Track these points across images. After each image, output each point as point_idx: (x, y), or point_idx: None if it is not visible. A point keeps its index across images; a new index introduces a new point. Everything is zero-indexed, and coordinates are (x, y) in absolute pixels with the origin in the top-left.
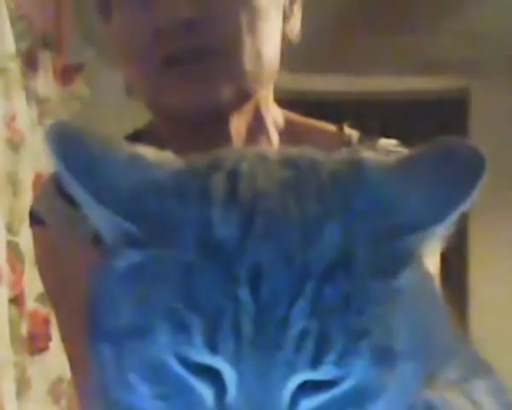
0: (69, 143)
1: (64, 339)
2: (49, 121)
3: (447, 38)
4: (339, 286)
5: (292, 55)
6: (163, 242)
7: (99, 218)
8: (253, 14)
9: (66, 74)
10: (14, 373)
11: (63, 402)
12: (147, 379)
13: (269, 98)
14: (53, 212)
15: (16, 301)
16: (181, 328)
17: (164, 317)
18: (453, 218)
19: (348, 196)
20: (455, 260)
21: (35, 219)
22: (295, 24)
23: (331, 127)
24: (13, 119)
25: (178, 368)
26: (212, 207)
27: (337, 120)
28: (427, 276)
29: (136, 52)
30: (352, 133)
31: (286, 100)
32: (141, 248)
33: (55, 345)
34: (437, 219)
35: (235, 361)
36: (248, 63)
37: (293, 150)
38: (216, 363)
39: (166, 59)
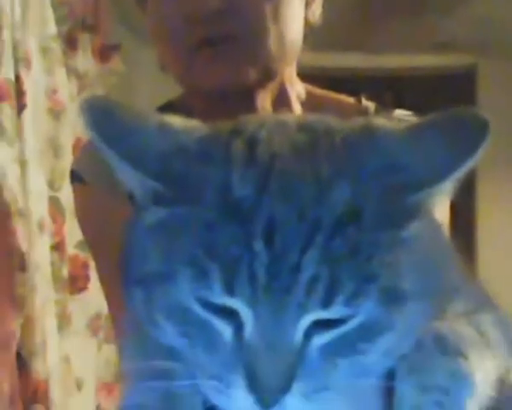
0: (101, 114)
1: (102, 281)
2: (87, 94)
3: (457, 21)
4: (348, 237)
5: (314, 35)
6: (187, 200)
7: (130, 179)
8: (277, 2)
9: (103, 53)
10: (56, 310)
11: (101, 335)
12: (171, 319)
13: (292, 75)
14: (91, 171)
15: (57, 247)
16: (201, 275)
17: (186, 265)
18: (458, 176)
19: (359, 156)
20: (463, 214)
21: (75, 178)
22: (317, 9)
23: (350, 99)
24: (54, 92)
25: (199, 309)
26: (231, 169)
27: (355, 93)
28: (434, 224)
29: (170, 36)
30: (368, 104)
31: (308, 76)
32: (167, 206)
33: (94, 285)
34: (442, 177)
35: (252, 303)
36: (272, 47)
37: (311, 116)
38: (233, 304)
39: (198, 43)
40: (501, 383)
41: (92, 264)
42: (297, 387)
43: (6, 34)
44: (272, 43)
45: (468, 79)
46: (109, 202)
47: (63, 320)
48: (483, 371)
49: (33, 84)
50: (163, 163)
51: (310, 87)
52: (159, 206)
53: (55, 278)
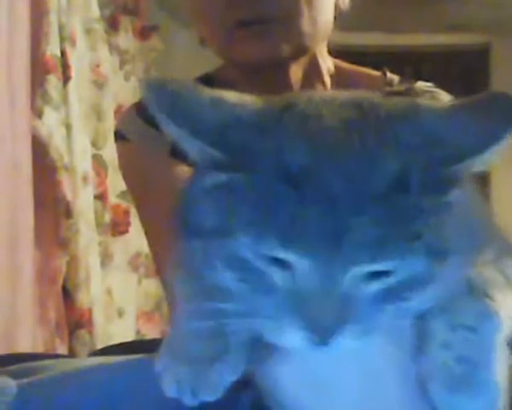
0: (161, 91)
1: (145, 227)
2: (128, 68)
3: (472, 5)
4: (396, 202)
5: (342, 17)
6: (244, 167)
7: (190, 146)
8: None
9: (143, 33)
10: (99, 250)
11: (141, 270)
12: (230, 267)
13: (323, 51)
14: (135, 131)
15: (100, 197)
16: (259, 232)
17: (245, 223)
18: (496, 149)
19: (404, 130)
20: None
21: (119, 137)
22: None
23: (375, 72)
24: (97, 66)
25: (256, 261)
26: (285, 139)
27: (378, 68)
28: (472, 190)
29: (210, 16)
30: (393, 77)
31: (336, 52)
32: (226, 171)
33: (134, 229)
34: (481, 149)
35: (305, 255)
36: (305, 28)
37: (355, 93)
38: (288, 257)
39: (237, 22)
40: None
41: (133, 211)
42: (347, 328)
43: (52, 17)
44: (305, 24)
45: (482, 57)
46: (149, 158)
47: (106, 258)
48: (508, 310)
49: (78, 59)
50: (220, 133)
51: (338, 62)
52: (218, 171)
53: (98, 222)
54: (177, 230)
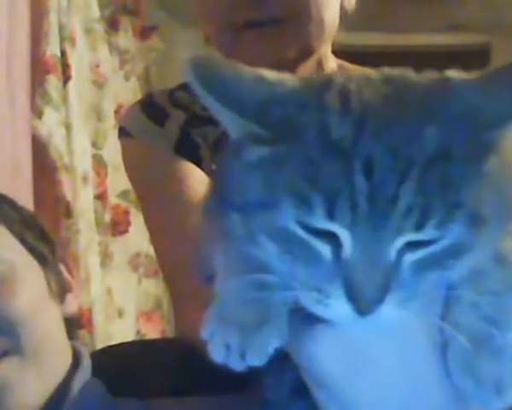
0: (204, 69)
1: (148, 222)
2: (128, 68)
3: (471, 3)
4: (439, 171)
5: (344, 18)
6: (288, 140)
7: (231, 123)
8: None
9: (143, 33)
10: (99, 250)
11: (141, 270)
12: (274, 240)
13: (328, 51)
14: (139, 127)
15: (100, 197)
16: (304, 203)
17: (290, 195)
18: None
19: (442, 103)
20: None
21: (123, 133)
22: None
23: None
24: (97, 66)
25: (301, 232)
26: (328, 114)
27: (378, 66)
28: (508, 160)
29: (217, 16)
30: None
31: (339, 52)
32: (269, 145)
33: (134, 229)
34: None
35: (351, 226)
36: (313, 29)
37: (391, 71)
38: (333, 228)
39: (244, 24)
40: None
41: (133, 211)
42: (391, 297)
43: (52, 17)
44: (313, 26)
45: (482, 57)
46: (153, 155)
47: (106, 258)
48: None
49: (78, 59)
50: (262, 110)
51: (342, 62)
52: (260, 145)
53: (98, 222)
54: (214, 206)
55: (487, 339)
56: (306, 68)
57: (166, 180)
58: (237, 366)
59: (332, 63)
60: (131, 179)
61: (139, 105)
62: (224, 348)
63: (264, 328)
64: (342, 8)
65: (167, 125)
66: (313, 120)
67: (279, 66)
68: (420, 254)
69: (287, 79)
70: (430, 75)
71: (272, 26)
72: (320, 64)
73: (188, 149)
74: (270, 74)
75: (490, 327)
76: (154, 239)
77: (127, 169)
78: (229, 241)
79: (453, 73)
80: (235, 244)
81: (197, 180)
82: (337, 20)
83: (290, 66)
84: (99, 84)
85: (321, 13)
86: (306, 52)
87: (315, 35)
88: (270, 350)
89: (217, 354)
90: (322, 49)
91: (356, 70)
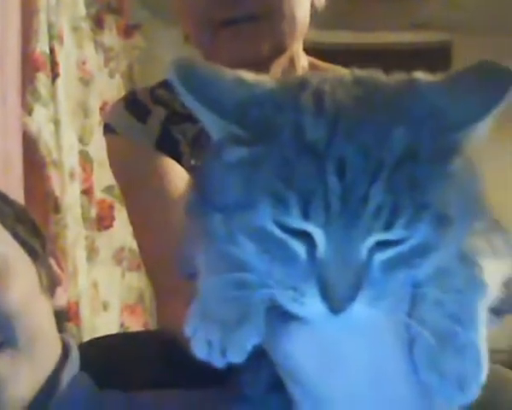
0: (187, 71)
1: (132, 218)
2: (112, 65)
3: (434, 3)
4: (407, 172)
5: (315, 16)
6: (266, 141)
7: (212, 123)
8: None
9: (126, 31)
10: (85, 244)
11: (124, 264)
12: (252, 239)
13: (299, 49)
14: (123, 124)
15: (86, 192)
16: (281, 203)
17: (267, 195)
18: (491, 117)
19: (409, 104)
20: None
21: (108, 130)
22: None
23: (344, 70)
24: (84, 63)
25: (278, 232)
26: (303, 115)
27: (347, 64)
28: (472, 160)
29: (196, 15)
30: None
31: (311, 49)
32: (247, 146)
33: (119, 223)
34: (477, 118)
35: (325, 226)
36: (285, 26)
37: (361, 72)
38: (308, 228)
39: (221, 21)
40: (506, 287)
41: (117, 206)
42: (362, 295)
43: (42, 15)
44: (286, 22)
45: (444, 54)
46: (136, 150)
47: (92, 252)
48: (492, 278)
49: (65, 56)
50: (241, 111)
51: (313, 60)
52: (239, 146)
53: (85, 217)
54: (196, 205)
55: (451, 336)
56: (279, 65)
57: (148, 176)
58: (218, 362)
59: (303, 61)
60: (115, 175)
61: (123, 102)
62: (206, 344)
63: (243, 326)
64: (313, 5)
65: (149, 121)
66: (289, 121)
67: (254, 63)
68: (389, 253)
69: (265, 80)
70: (398, 76)
71: (248, 22)
72: (292, 62)
73: (168, 145)
74: (249, 76)
75: (454, 324)
76: (137, 234)
77: (111, 165)
78: (210, 240)
79: (420, 75)
80: (216, 243)
81: (177, 176)
82: (308, 18)
83: (265, 63)
84: (85, 81)
85: (293, 11)
86: (279, 49)
87: (287, 32)
88: (249, 347)
89: (199, 351)
90: (294, 47)
91: (327, 68)
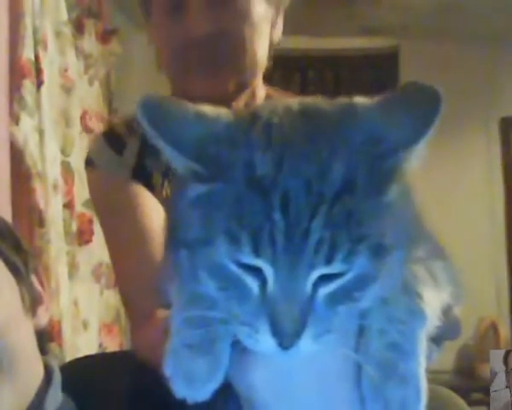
0: (153, 109)
1: (109, 245)
2: (91, 72)
3: (382, 9)
4: (344, 206)
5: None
6: (220, 178)
7: (174, 160)
8: (253, 29)
9: (104, 36)
10: (67, 259)
11: (102, 281)
12: (211, 276)
13: (260, 82)
14: (101, 157)
15: (68, 205)
16: (234, 240)
17: (222, 232)
18: (425, 140)
19: (347, 134)
20: None
21: (89, 163)
22: (278, 31)
23: (293, 98)
24: (65, 70)
25: (233, 268)
26: (254, 151)
27: (302, 69)
28: (407, 186)
29: (170, 52)
30: None
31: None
32: (205, 182)
33: (97, 238)
34: (413, 141)
35: (272, 261)
36: (248, 63)
37: (307, 100)
38: (259, 263)
39: (194, 60)
40: (445, 315)
41: (96, 220)
42: (308, 331)
43: (27, 20)
44: (248, 60)
45: (391, 59)
46: (112, 182)
47: (72, 268)
48: (432, 307)
49: (49, 63)
50: (199, 147)
51: (268, 89)
52: (198, 183)
53: (66, 232)
54: (166, 242)
55: (394, 366)
56: (243, 99)
57: (123, 206)
58: (191, 398)
59: (262, 92)
60: (94, 206)
61: (103, 136)
62: (183, 383)
63: (210, 362)
64: (271, 43)
65: (125, 153)
66: (241, 158)
67: (220, 99)
68: (332, 286)
69: (223, 114)
70: (340, 101)
71: (217, 61)
72: (253, 94)
73: (142, 176)
74: (209, 110)
75: (397, 354)
76: (113, 262)
77: (91, 197)
78: (179, 274)
79: (360, 99)
80: (182, 279)
81: (150, 207)
82: (266, 54)
83: (230, 97)
84: (67, 88)
85: (255, 47)
86: (242, 85)
87: (249, 70)
88: (217, 382)
89: (177, 391)
90: (256, 81)
91: (279, 97)
